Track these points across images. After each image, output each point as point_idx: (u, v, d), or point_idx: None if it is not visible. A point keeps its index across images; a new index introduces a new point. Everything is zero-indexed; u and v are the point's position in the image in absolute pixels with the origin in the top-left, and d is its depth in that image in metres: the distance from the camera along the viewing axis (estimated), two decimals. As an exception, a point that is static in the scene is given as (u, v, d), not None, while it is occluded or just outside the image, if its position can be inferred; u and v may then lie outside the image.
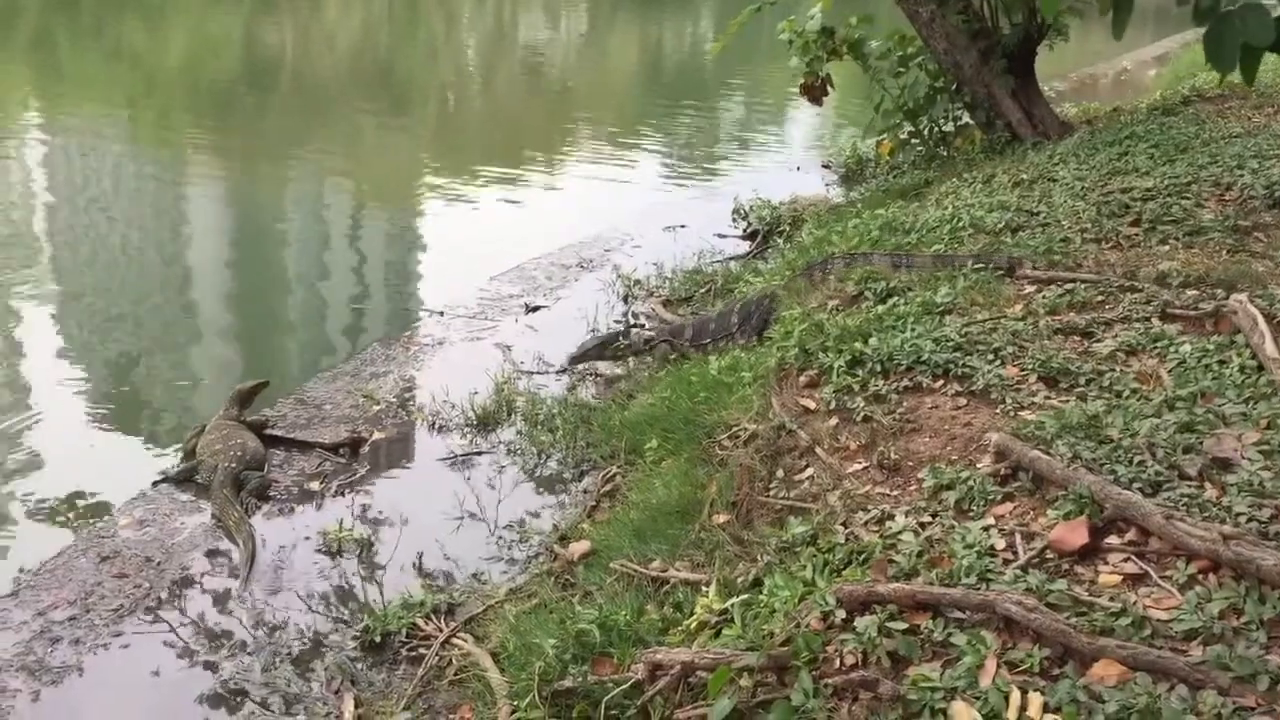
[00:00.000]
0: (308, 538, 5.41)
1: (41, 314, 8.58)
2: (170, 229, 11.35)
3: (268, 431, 6.36)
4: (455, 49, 27.14)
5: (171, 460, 6.24)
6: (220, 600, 4.94)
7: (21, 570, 5.07)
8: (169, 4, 29.67)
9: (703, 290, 8.47)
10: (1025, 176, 7.35)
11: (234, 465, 5.79)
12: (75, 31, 24.61)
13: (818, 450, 4.35)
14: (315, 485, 5.93)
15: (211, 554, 5.29)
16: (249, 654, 4.56)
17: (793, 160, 14.12)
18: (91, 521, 5.52)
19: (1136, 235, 5.82)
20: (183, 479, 5.91)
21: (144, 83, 19.43)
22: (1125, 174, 6.85)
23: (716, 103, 19.34)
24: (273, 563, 5.20)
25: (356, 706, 4.21)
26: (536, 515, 5.64)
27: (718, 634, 3.44)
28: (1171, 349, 4.32)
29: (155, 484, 5.90)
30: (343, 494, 5.85)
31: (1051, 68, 10.79)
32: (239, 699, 4.33)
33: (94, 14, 26.97)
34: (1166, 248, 5.58)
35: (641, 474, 5.42)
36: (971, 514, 3.52)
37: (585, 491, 5.76)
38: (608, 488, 5.65)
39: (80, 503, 5.70)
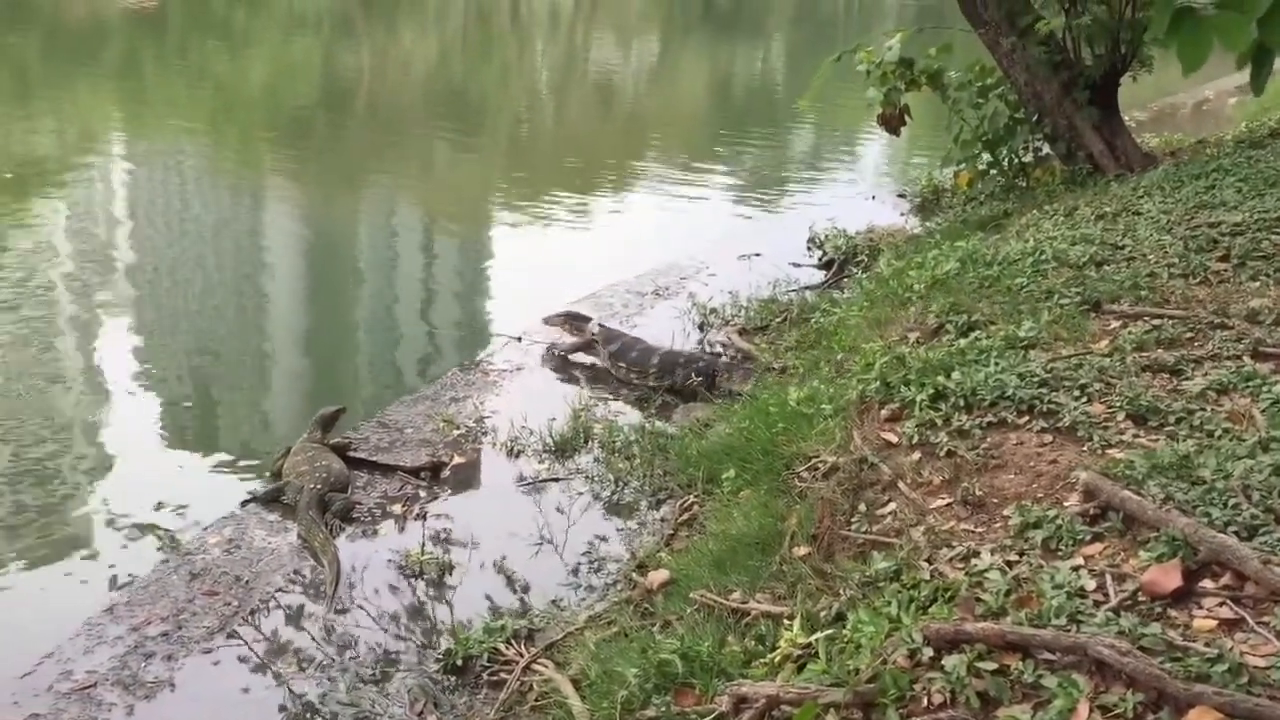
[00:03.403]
0: (390, 560, 5.50)
1: (126, 335, 8.84)
2: (251, 251, 11.63)
3: (351, 454, 6.48)
4: (529, 74, 27.48)
5: (257, 481, 6.39)
6: (306, 620, 5.05)
7: (117, 587, 5.24)
8: (251, 30, 30.43)
9: (778, 320, 8.49)
10: (1108, 209, 7.26)
11: (319, 487, 5.92)
12: (160, 55, 25.31)
13: (900, 485, 4.34)
14: (397, 508, 6.04)
15: (297, 574, 5.41)
16: (333, 673, 4.65)
17: (866, 189, 14.08)
18: (182, 540, 5.67)
19: (1225, 271, 5.73)
20: (270, 500, 6.04)
21: (225, 106, 19.94)
22: (1213, 208, 6.74)
23: (788, 130, 19.35)
24: (357, 584, 5.30)
25: (439, 729, 4.27)
26: (614, 542, 5.69)
27: (801, 669, 3.44)
28: (1264, 389, 4.24)
29: (243, 504, 6.05)
30: (424, 517, 5.93)
31: (1130, 97, 10.66)
32: (324, 718, 4.42)
33: (179, 39, 27.73)
34: (1257, 284, 5.48)
35: (719, 504, 5.44)
36: (1060, 554, 3.48)
37: (663, 520, 5.79)
38: (685, 517, 5.67)
39: (171, 522, 5.86)
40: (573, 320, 8.32)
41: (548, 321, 8.44)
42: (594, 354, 8.11)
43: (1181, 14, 2.84)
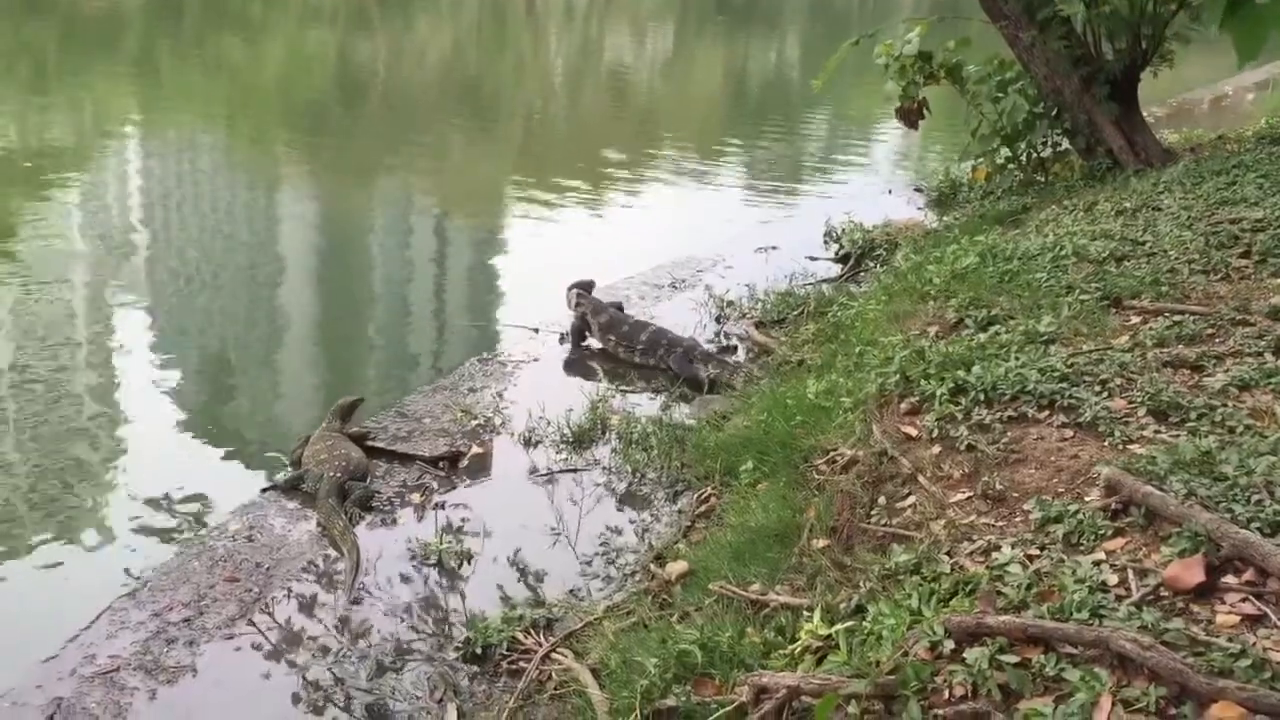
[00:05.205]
0: (409, 549, 5.52)
1: (145, 324, 8.87)
2: (268, 242, 11.66)
3: (370, 443, 6.52)
4: (543, 67, 27.49)
5: (277, 469, 6.42)
6: (325, 607, 5.07)
7: (139, 572, 5.27)
8: (268, 20, 30.51)
9: (795, 313, 8.49)
10: (1128, 205, 7.25)
11: (339, 475, 5.95)
12: (177, 45, 25.39)
13: (920, 478, 4.35)
14: (416, 497, 6.06)
15: (317, 562, 5.44)
16: (353, 661, 4.68)
17: (882, 182, 14.07)
18: (204, 527, 5.72)
19: (1246, 267, 5.72)
20: (290, 487, 6.08)
21: (241, 96, 19.99)
22: (1233, 204, 6.73)
23: (803, 123, 19.34)
24: (375, 572, 5.33)
25: (459, 717, 4.30)
26: (632, 534, 5.70)
27: (821, 660, 3.46)
28: (1286, 385, 4.24)
29: (263, 491, 6.09)
30: (442, 507, 5.97)
31: (1149, 93, 10.61)
32: (344, 704, 4.44)
33: (195, 29, 27.82)
34: (1279, 281, 5.48)
35: (737, 496, 5.45)
36: (1081, 548, 3.48)
37: (680, 512, 5.81)
38: (703, 508, 5.68)
39: (192, 509, 5.91)
40: (578, 290, 8.50)
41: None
42: (588, 328, 8.24)
43: (1236, 3, 2.81)
